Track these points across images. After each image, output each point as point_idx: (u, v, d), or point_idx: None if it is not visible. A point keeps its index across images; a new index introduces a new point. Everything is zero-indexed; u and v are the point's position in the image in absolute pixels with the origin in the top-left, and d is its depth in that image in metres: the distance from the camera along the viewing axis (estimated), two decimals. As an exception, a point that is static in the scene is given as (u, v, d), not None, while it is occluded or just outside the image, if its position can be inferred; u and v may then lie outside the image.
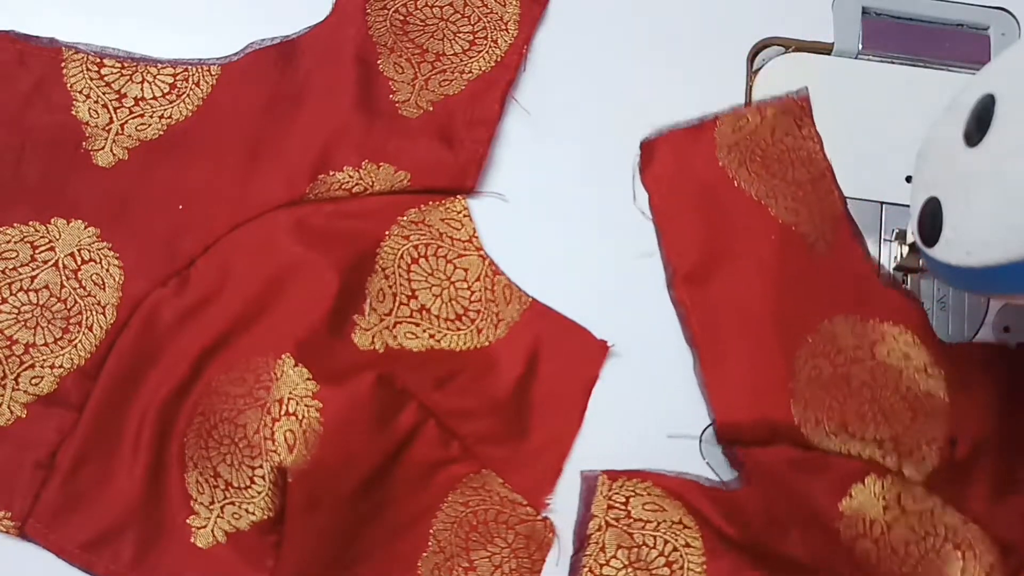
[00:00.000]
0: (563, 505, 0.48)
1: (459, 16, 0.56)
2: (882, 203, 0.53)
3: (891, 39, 0.56)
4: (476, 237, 0.52)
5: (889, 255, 0.52)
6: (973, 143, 0.37)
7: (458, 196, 0.52)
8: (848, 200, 0.53)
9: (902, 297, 0.51)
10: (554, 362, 0.50)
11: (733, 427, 0.48)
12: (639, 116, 0.54)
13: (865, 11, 0.56)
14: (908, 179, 0.52)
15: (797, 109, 0.54)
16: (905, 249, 0.50)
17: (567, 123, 0.55)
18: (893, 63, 0.56)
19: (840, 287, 0.51)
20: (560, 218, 0.53)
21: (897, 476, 0.46)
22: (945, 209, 0.39)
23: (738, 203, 0.51)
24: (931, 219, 0.40)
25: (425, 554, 0.46)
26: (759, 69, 0.55)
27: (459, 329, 0.50)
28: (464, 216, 0.52)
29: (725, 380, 0.49)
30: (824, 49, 0.56)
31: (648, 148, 0.53)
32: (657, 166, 0.53)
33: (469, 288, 0.51)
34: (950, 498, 0.46)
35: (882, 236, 0.52)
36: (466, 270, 0.51)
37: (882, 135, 0.54)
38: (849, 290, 0.51)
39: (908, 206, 0.50)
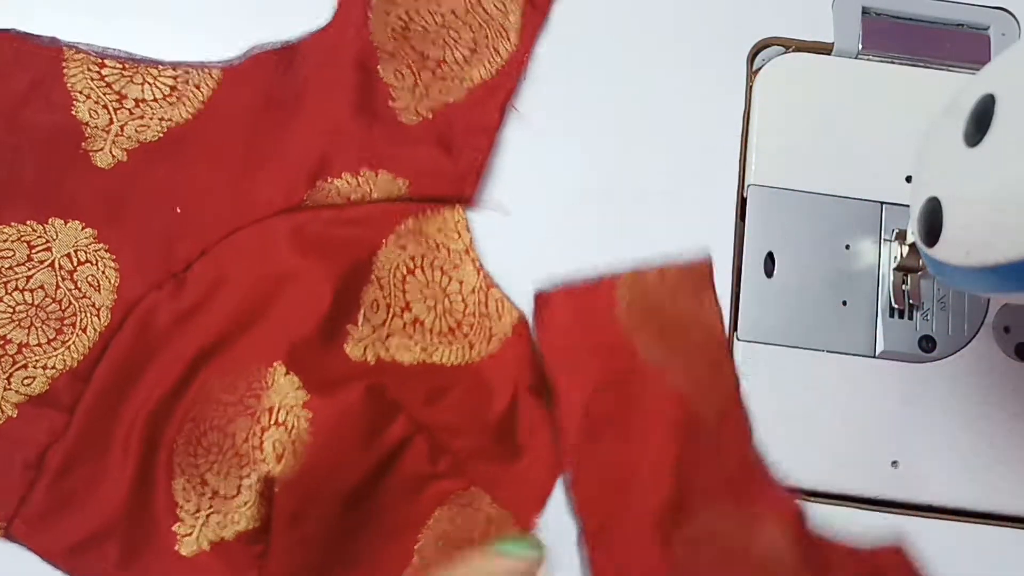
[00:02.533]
0: (553, 523, 0.47)
1: (460, 24, 0.55)
2: (882, 203, 0.52)
3: (891, 39, 0.56)
4: (472, 248, 0.51)
5: (889, 255, 0.52)
6: (973, 143, 0.37)
7: (456, 206, 0.52)
8: (848, 200, 0.52)
9: (782, 489, 0.48)
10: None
11: None
12: (641, 124, 0.54)
13: (865, 11, 0.56)
14: (908, 179, 0.52)
15: (699, 275, 0.51)
16: (905, 249, 0.50)
17: (568, 132, 0.54)
18: (893, 63, 0.55)
19: (724, 468, 0.48)
20: (560, 227, 0.52)
21: None
22: (945, 209, 0.39)
23: (634, 368, 0.48)
24: (931, 219, 0.39)
25: (408, 569, 0.46)
26: (759, 69, 0.55)
27: (451, 343, 0.49)
28: (461, 227, 0.52)
29: (607, 560, 0.47)
30: (824, 49, 0.56)
31: (543, 300, 0.50)
32: (551, 319, 0.49)
33: (463, 301, 0.50)
34: None
35: (882, 236, 0.52)
36: (461, 282, 0.50)
37: (882, 135, 0.53)
38: (733, 472, 0.48)
39: (908, 206, 0.49)
